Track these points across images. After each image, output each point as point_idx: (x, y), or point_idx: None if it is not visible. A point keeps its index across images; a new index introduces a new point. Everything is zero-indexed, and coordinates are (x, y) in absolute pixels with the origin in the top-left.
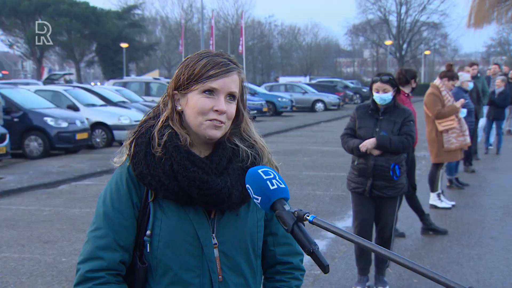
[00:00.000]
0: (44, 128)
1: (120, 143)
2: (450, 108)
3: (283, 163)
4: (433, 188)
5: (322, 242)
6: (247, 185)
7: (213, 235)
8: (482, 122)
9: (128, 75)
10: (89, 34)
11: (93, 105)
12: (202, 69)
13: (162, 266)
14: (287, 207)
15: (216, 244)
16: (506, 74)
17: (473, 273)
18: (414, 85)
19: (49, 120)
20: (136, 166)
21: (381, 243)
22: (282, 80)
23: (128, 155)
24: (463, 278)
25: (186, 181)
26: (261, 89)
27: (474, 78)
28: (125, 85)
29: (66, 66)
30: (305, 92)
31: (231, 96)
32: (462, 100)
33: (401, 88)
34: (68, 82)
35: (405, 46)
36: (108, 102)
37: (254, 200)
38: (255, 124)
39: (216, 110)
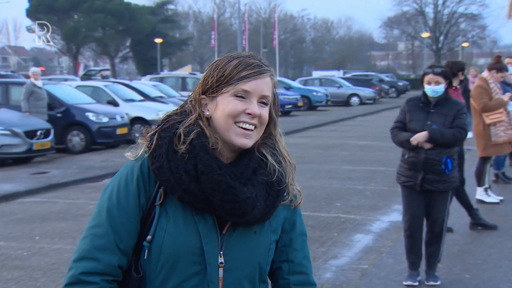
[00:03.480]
0: (86, 123)
1: None
2: (497, 101)
3: (321, 157)
4: (480, 182)
5: (368, 237)
6: None
7: (221, 252)
8: None
9: (161, 70)
10: (123, 30)
11: (132, 100)
12: (234, 70)
13: (159, 280)
14: None
15: (222, 263)
16: None
17: None
18: (461, 77)
19: (91, 116)
20: (155, 159)
21: (432, 237)
22: (315, 74)
23: (148, 147)
24: None
25: (210, 183)
26: (295, 84)
27: None
28: (161, 80)
29: (99, 62)
30: (340, 86)
31: (264, 99)
32: (509, 94)
33: None
34: (104, 77)
35: (441, 38)
36: (146, 97)
37: None
38: (290, 119)
39: (249, 114)
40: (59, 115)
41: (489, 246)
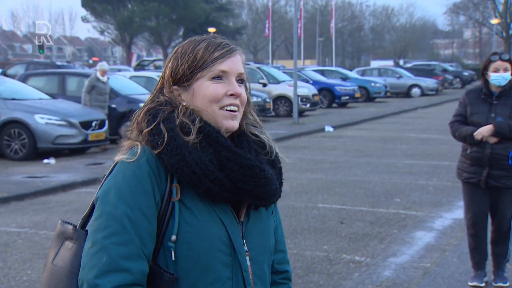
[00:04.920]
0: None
1: None
2: None
3: (379, 151)
4: None
5: (430, 234)
6: None
7: (243, 240)
8: None
9: None
10: (177, 19)
11: None
12: (205, 53)
13: (191, 278)
14: None
15: (246, 251)
16: None
17: None
18: None
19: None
20: (173, 153)
21: (498, 236)
22: (374, 64)
23: (154, 142)
24: None
25: (242, 169)
26: (353, 74)
27: None
28: None
29: (152, 52)
30: (400, 77)
31: (240, 77)
32: None
33: None
34: (157, 68)
35: None
36: None
37: None
38: (347, 111)
39: (232, 94)
40: (113, 105)
41: None
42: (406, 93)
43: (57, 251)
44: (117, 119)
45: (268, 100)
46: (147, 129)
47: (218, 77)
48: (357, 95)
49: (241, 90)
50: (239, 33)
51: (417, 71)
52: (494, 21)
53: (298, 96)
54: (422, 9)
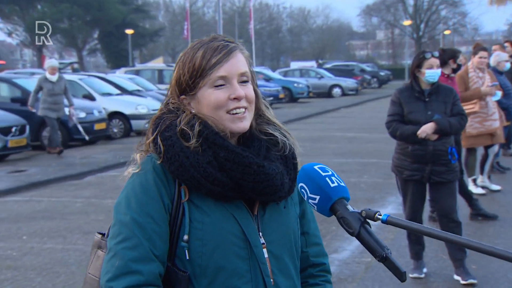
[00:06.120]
0: (62, 118)
1: (138, 133)
2: (473, 92)
3: (309, 150)
4: (468, 173)
5: None
6: (300, 184)
7: (260, 233)
8: None
9: (132, 63)
10: (92, 21)
11: (109, 94)
12: (202, 61)
13: (209, 273)
14: (350, 208)
15: (264, 243)
16: None
17: None
18: (454, 65)
19: (67, 111)
20: (172, 160)
21: (449, 229)
22: (293, 65)
23: (157, 152)
24: None
25: (240, 168)
26: (276, 75)
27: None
28: (137, 73)
29: (64, 55)
30: (322, 77)
31: (243, 77)
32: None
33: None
34: (75, 70)
35: (422, 26)
36: (123, 91)
37: (310, 201)
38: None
39: (235, 98)
40: (33, 110)
41: (493, 236)
42: (327, 93)
43: (92, 260)
44: (39, 124)
45: None
46: (149, 140)
47: (219, 84)
48: (281, 95)
49: (244, 91)
50: (157, 35)
51: (337, 72)
52: (406, 22)
53: None
54: (337, 11)
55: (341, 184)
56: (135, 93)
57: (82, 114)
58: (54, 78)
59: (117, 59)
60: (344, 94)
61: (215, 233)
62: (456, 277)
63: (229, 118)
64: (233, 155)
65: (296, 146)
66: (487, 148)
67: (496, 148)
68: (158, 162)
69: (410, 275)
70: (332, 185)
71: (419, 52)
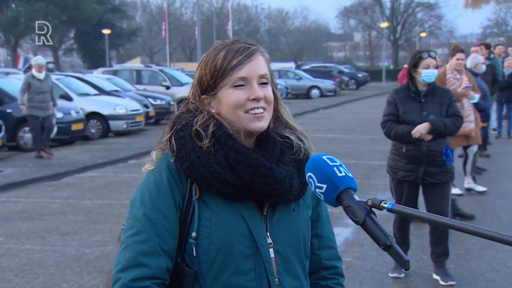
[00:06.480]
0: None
1: (116, 134)
2: None
3: None
4: None
5: (347, 230)
6: (308, 174)
7: (267, 233)
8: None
9: (109, 63)
10: (68, 20)
11: (87, 94)
12: (224, 62)
13: (214, 271)
14: (356, 198)
15: (271, 243)
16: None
17: (511, 257)
18: None
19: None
20: (183, 159)
21: (438, 236)
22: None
23: (171, 150)
24: (501, 262)
25: (249, 169)
26: None
27: (489, 59)
28: (115, 73)
29: (39, 54)
30: (300, 78)
31: (263, 79)
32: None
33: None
34: (50, 70)
35: (399, 28)
36: (100, 91)
37: (317, 190)
38: None
39: (254, 99)
40: (8, 110)
41: (470, 236)
42: (306, 94)
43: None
44: (15, 124)
45: (172, 103)
46: (165, 138)
47: (239, 85)
48: None
49: (263, 92)
50: (135, 35)
51: (316, 73)
52: (383, 25)
53: None
54: (315, 13)
55: (348, 174)
56: (113, 93)
57: (59, 115)
58: (41, 76)
59: (94, 59)
60: (322, 95)
61: (222, 232)
62: (435, 276)
63: (247, 117)
64: (242, 156)
65: (312, 150)
66: (465, 148)
67: (475, 148)
68: (172, 160)
69: (390, 275)
70: (339, 174)
71: (415, 52)
